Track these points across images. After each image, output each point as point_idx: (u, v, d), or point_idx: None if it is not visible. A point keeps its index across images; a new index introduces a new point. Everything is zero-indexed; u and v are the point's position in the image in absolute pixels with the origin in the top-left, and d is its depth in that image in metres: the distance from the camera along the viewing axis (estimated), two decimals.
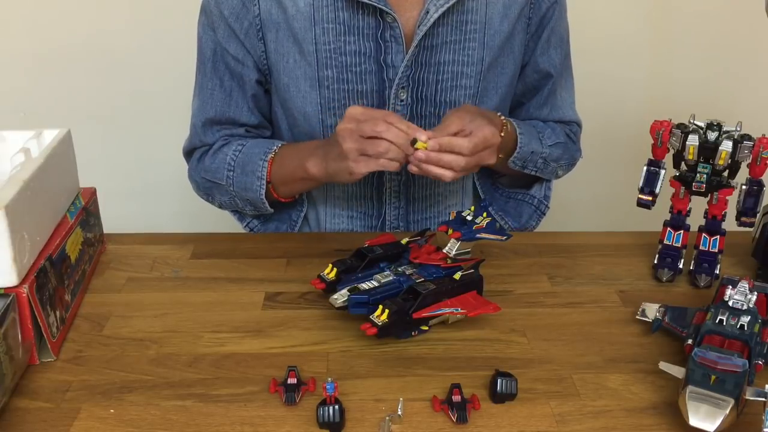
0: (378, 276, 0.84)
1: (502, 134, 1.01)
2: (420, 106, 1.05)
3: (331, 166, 0.94)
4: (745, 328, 0.75)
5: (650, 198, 0.93)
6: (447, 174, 0.89)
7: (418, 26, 1.00)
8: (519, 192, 1.21)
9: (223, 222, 1.26)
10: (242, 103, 1.10)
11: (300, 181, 1.04)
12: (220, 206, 1.16)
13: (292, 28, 1.02)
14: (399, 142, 0.88)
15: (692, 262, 0.95)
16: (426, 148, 0.87)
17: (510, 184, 1.23)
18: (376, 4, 0.98)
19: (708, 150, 0.89)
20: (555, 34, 1.11)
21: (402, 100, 1.04)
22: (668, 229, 0.96)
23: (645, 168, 0.93)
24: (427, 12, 0.99)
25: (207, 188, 1.13)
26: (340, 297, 0.82)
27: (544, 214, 1.21)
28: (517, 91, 1.16)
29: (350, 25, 1.00)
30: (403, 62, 1.02)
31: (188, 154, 1.16)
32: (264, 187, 1.06)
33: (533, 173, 1.13)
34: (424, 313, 0.80)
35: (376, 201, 1.12)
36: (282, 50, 1.04)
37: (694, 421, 0.65)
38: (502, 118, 1.03)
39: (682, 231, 0.95)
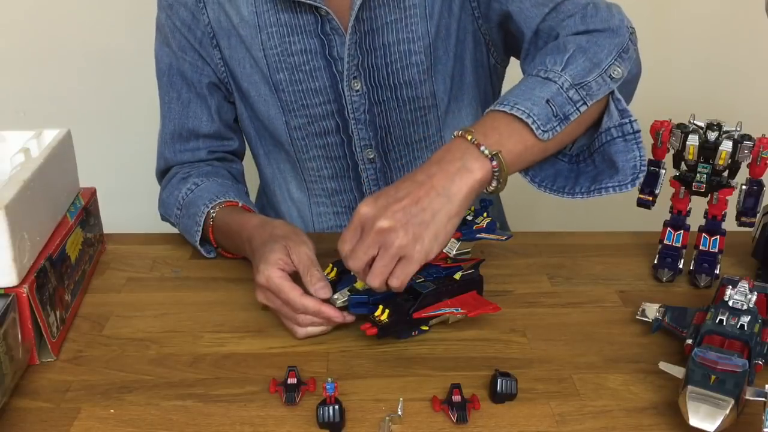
0: None
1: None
2: (376, 93, 1.03)
3: None
4: (745, 328, 0.75)
5: (650, 198, 0.93)
6: (396, 283, 0.75)
7: (351, 12, 0.98)
8: (593, 136, 0.87)
9: None
10: (201, 112, 1.08)
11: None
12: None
13: (240, 36, 1.02)
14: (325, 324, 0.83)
15: (692, 262, 0.95)
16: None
17: (577, 142, 0.89)
18: (304, 0, 0.97)
19: (708, 150, 0.89)
20: None
21: (357, 90, 1.02)
22: (668, 229, 0.96)
23: (645, 168, 0.93)
24: None
25: (168, 221, 1.09)
26: (341, 297, 0.82)
27: (637, 132, 0.84)
28: (508, 46, 1.05)
29: (292, 25, 1.00)
30: (345, 52, 1.00)
31: (159, 180, 1.13)
32: (199, 233, 0.99)
33: (584, 109, 0.82)
34: (425, 313, 0.80)
35: (356, 193, 1.12)
36: (237, 57, 1.04)
37: (694, 421, 0.65)
38: (464, 133, 0.78)
39: (682, 231, 0.95)
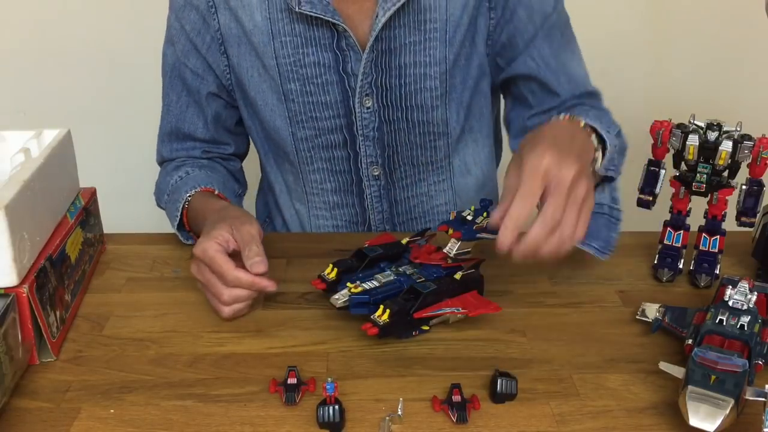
0: (379, 276, 0.84)
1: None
2: (387, 112, 1.03)
3: None
4: (745, 328, 0.75)
5: (650, 198, 0.93)
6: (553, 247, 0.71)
7: (371, 32, 0.98)
8: None
9: None
10: (197, 119, 1.09)
11: None
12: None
13: (252, 43, 1.02)
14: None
15: (692, 262, 0.95)
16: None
17: None
18: (322, 16, 0.96)
19: (708, 150, 0.89)
20: (522, 4, 1.01)
21: (368, 108, 1.02)
22: (668, 229, 0.96)
23: (645, 168, 0.93)
24: (377, 16, 0.97)
25: (159, 205, 1.11)
26: (342, 297, 0.82)
27: (620, 221, 0.99)
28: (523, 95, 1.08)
29: (307, 36, 0.99)
30: (360, 69, 1.00)
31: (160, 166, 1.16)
32: (177, 218, 1.01)
33: (610, 173, 0.92)
34: (425, 313, 0.80)
35: (359, 207, 1.12)
36: (245, 64, 1.04)
37: (694, 421, 0.65)
38: (574, 119, 0.85)
39: (682, 231, 0.95)
